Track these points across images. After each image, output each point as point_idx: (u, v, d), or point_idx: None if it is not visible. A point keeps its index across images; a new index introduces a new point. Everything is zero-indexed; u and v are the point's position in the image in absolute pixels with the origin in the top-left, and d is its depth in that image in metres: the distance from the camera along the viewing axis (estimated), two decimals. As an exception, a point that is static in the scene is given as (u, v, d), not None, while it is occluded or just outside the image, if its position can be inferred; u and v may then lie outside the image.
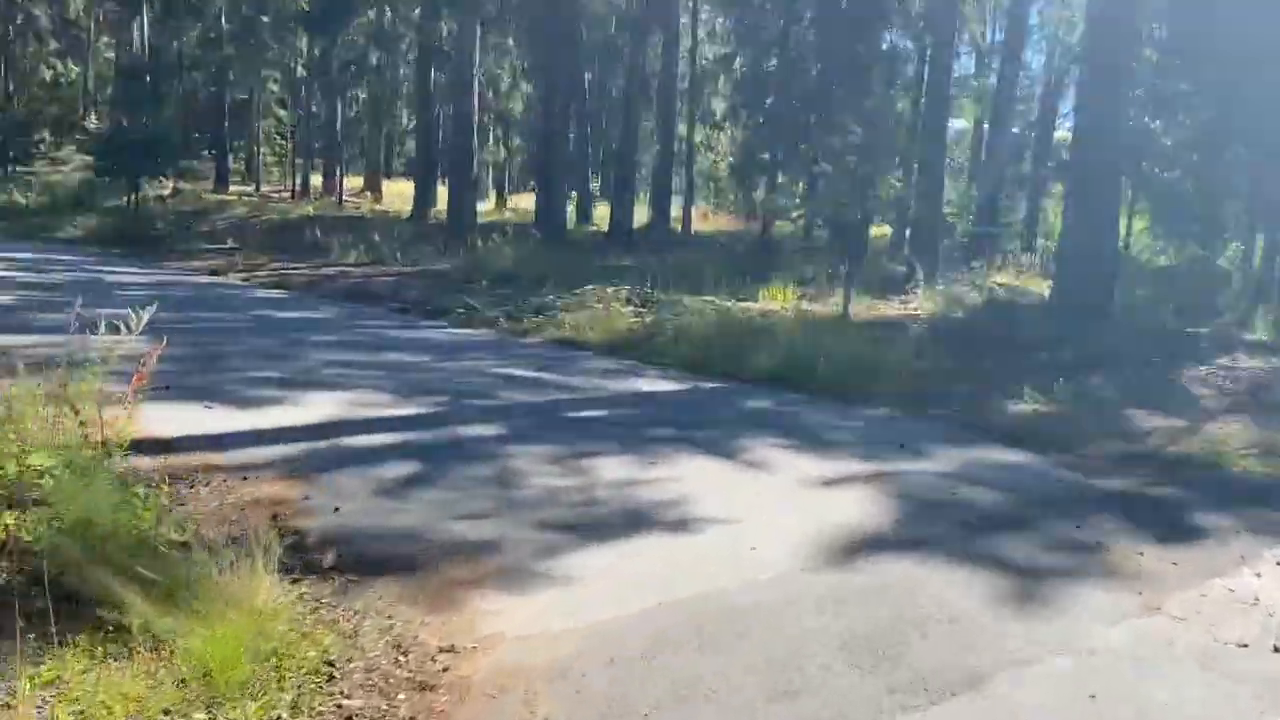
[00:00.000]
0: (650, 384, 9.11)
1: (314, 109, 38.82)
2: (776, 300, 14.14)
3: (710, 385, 9.32)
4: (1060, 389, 8.90)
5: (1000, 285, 15.84)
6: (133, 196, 21.99)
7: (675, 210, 28.22)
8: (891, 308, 13.93)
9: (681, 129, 29.89)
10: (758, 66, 29.90)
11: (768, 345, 10.47)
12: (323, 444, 6.12)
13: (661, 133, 29.28)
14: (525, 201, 30.74)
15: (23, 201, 26.60)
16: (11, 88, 40.34)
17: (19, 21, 42.25)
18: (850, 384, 9.18)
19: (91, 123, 42.76)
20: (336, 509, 4.92)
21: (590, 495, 5.48)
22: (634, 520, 5.08)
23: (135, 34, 41.18)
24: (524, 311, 12.50)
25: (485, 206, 33.96)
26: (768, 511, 5.35)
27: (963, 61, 31.01)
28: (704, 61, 31.22)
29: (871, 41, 21.26)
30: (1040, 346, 11.05)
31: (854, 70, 18.76)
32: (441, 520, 4.88)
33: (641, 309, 12.80)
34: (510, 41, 31.46)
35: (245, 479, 5.30)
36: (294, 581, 3.99)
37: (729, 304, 13.34)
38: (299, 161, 37.11)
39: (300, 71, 39.83)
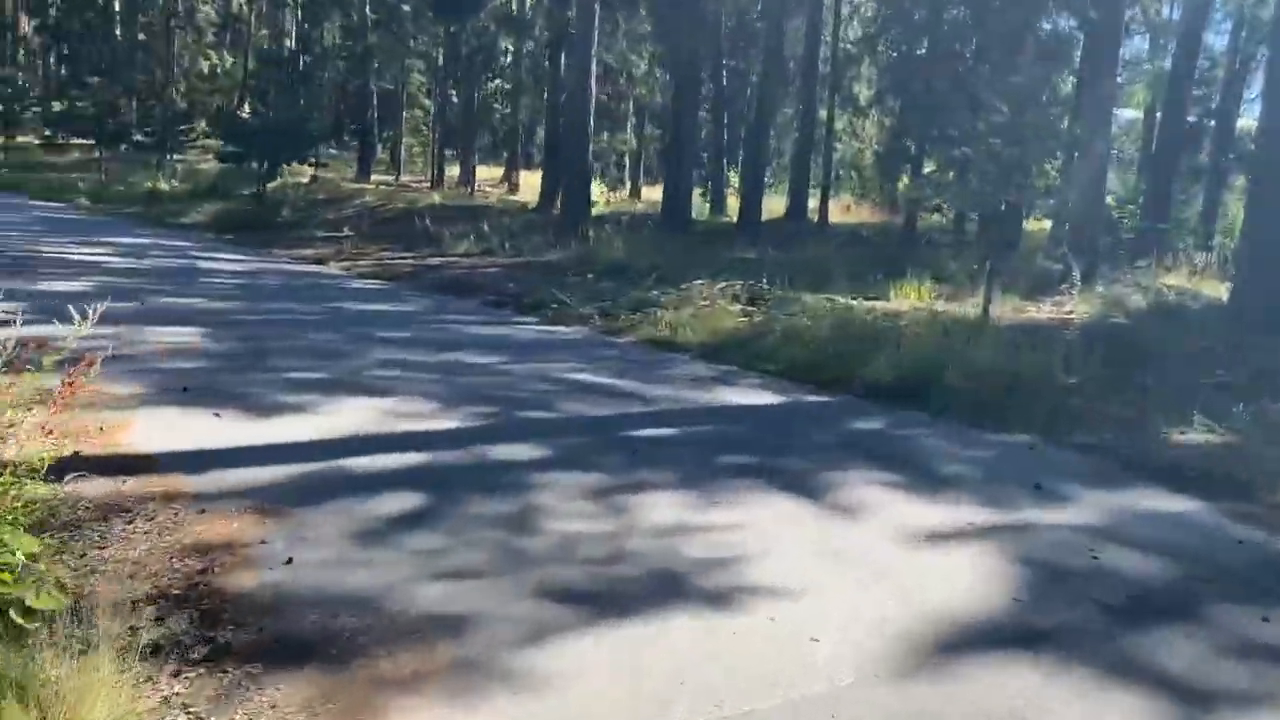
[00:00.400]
0: (743, 395, 7.90)
1: (454, 98, 38.82)
2: (909, 299, 12.67)
3: (814, 399, 8.05)
4: (1239, 415, 7.27)
5: (1169, 287, 13.89)
6: (260, 185, 21.92)
7: (814, 202, 26.78)
8: (1041, 310, 12.28)
9: (822, 114, 28.32)
10: (906, 48, 28.16)
11: (889, 351, 9.12)
12: (324, 465, 5.19)
13: (801, 119, 27.84)
14: (659, 193, 29.76)
15: (165, 188, 27.10)
16: (169, 79, 41.83)
17: (180, 13, 43.80)
18: (982, 401, 7.77)
19: (246, 112, 44.03)
20: (289, 560, 3.94)
21: (620, 547, 4.36)
22: (666, 587, 3.94)
23: (291, 25, 42.28)
24: (621, 307, 11.43)
25: (619, 196, 33.21)
26: (846, 580, 4.12)
27: (1134, 43, 28.45)
28: (846, 45, 29.55)
29: (1031, 20, 19.36)
30: (1215, 361, 9.32)
31: (1009, 50, 17.04)
32: (415, 580, 3.84)
33: (751, 307, 11.56)
34: (648, 27, 30.53)
35: (203, 512, 4.38)
36: (173, 675, 3.00)
37: (853, 302, 11.96)
38: (448, 152, 37.26)
39: (441, 61, 39.98)
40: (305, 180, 30.44)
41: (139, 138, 34.34)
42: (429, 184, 36.04)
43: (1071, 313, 12.28)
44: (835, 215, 26.86)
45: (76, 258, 12.68)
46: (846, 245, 17.37)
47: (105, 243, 14.84)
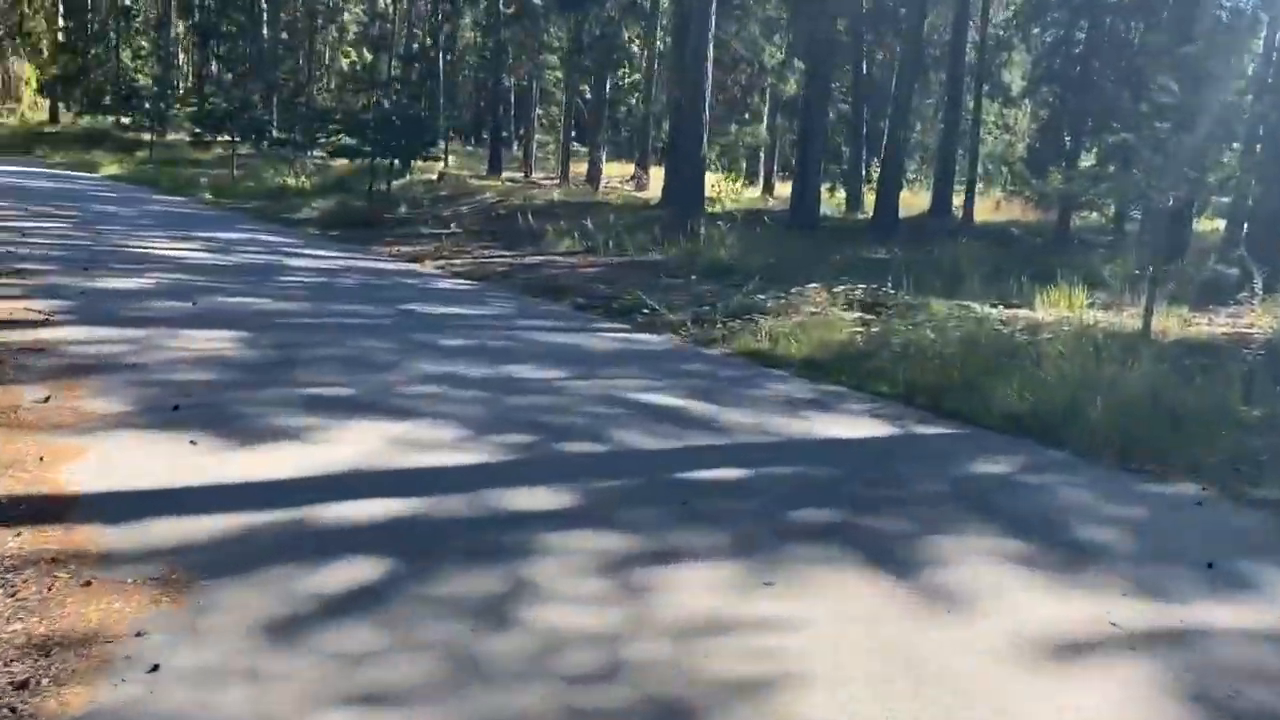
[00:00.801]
0: (842, 424, 6.62)
1: (586, 93, 38.18)
2: (1057, 307, 11.04)
3: (929, 430, 6.72)
4: None
5: (1377, 297, 11.82)
6: (386, 182, 21.49)
7: (960, 199, 24.93)
8: (1214, 324, 10.50)
9: (969, 104, 26.37)
10: (1063, 31, 25.97)
11: (1026, 372, 7.68)
12: (285, 515, 4.20)
13: (946, 109, 25.99)
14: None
15: (292, 184, 27.15)
16: (311, 77, 42.61)
17: (324, 11, 44.55)
18: (1139, 438, 6.30)
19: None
20: (155, 667, 2.92)
21: (617, 656, 3.21)
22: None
23: (433, 23, 42.38)
24: (720, 313, 10.23)
25: (751, 194, 31.88)
26: (926, 728, 2.87)
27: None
28: (997, 28, 27.46)
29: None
30: None
31: (1181, 34, 15.00)
32: (309, 711, 2.77)
33: (869, 314, 10.19)
34: (783, 14, 29.08)
35: (88, 584, 3.42)
36: None
37: (989, 311, 10.45)
38: (582, 147, 36.75)
39: (570, 55, 39.44)
40: (434, 177, 30.23)
41: (278, 134, 34.80)
42: (558, 181, 35.52)
43: (1251, 327, 10.45)
44: (982, 213, 24.94)
45: (160, 253, 12.25)
46: (991, 245, 15.66)
47: (201, 238, 14.46)
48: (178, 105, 35.37)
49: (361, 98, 46.91)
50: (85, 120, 41.46)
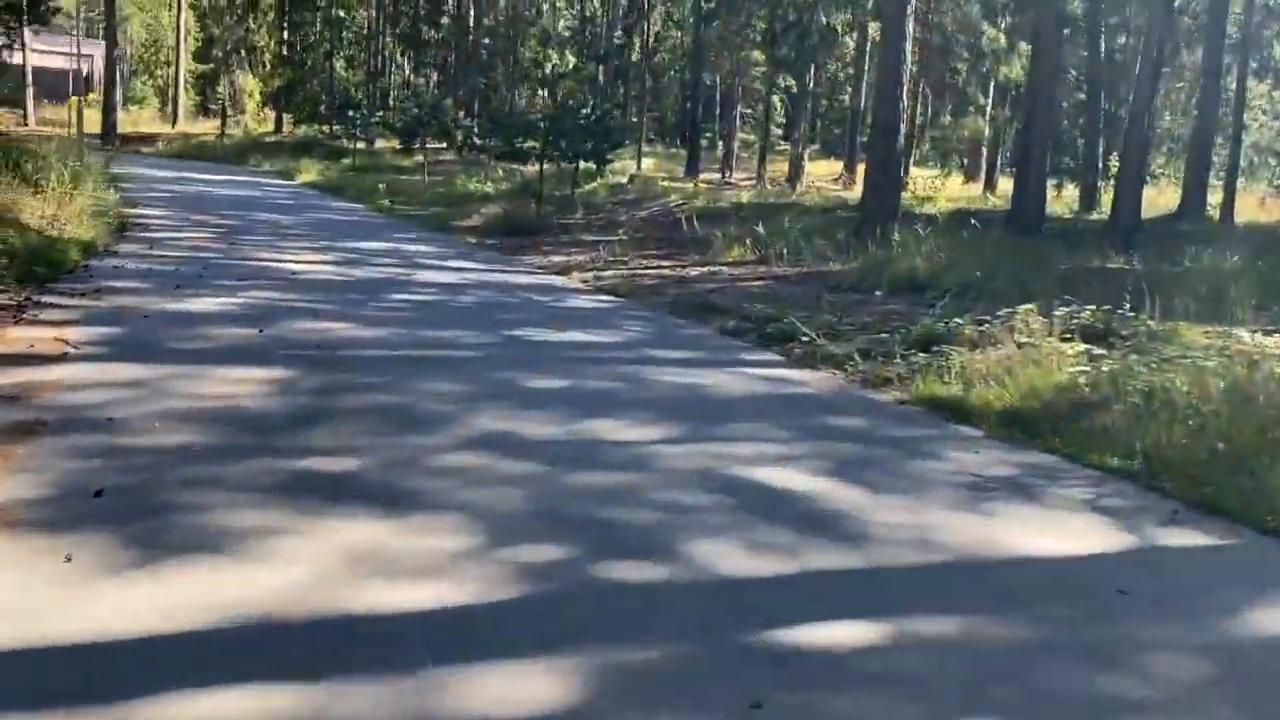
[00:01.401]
0: (1046, 529, 4.51)
1: (793, 87, 36.04)
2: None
3: (1181, 541, 4.51)
4: None
5: None
6: (541, 187, 20.26)
7: (1216, 196, 21.37)
8: None
9: (1230, 86, 22.65)
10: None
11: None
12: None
13: (1201, 93, 22.41)
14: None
15: (483, 190, 26.48)
16: (513, 82, 42.37)
17: (529, 17, 44.37)
18: None
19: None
20: None
21: None
22: None
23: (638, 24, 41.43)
24: (900, 343, 8.13)
25: (969, 191, 28.93)
26: None
27: None
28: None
29: None
30: None
31: None
32: None
33: (1099, 347, 7.80)
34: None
35: None
36: None
37: (1265, 340, 7.86)
38: (791, 147, 34.75)
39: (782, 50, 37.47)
40: (625, 180, 28.98)
41: (478, 140, 34.50)
42: (755, 181, 33.61)
43: None
44: (1245, 212, 21.28)
45: (281, 267, 11.23)
46: (1259, 253, 12.64)
47: (341, 249, 13.50)
48: (380, 113, 35.72)
49: (553, 101, 46.74)
50: (302, 130, 42.90)
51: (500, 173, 29.08)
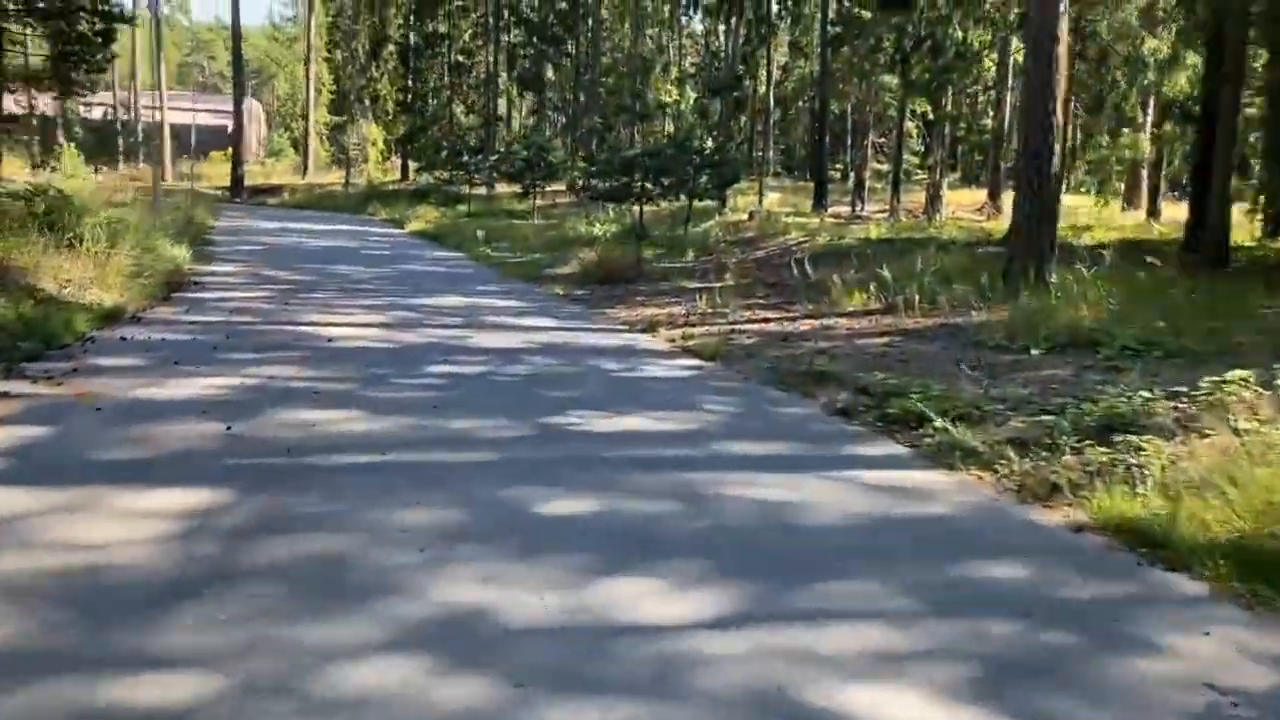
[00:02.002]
0: None
1: (923, 112, 33.62)
2: None
3: None
4: None
5: None
6: (640, 227, 18.54)
7: None
8: None
9: None
10: None
11: None
12: None
13: None
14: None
15: (591, 233, 25.05)
16: (633, 119, 41.09)
17: (655, 50, 43.18)
18: None
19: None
20: None
21: None
22: None
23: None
24: (1069, 428, 5.99)
25: (1129, 219, 25.97)
26: None
27: None
28: None
29: None
30: None
31: None
32: None
33: (1363, 440, 5.49)
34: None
35: None
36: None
37: None
38: (929, 176, 32.37)
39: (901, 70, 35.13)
40: (744, 218, 27.13)
41: (596, 182, 33.21)
42: (889, 213, 31.25)
43: None
44: None
45: (321, 331, 9.74)
46: None
47: (404, 306, 12.05)
48: (495, 157, 34.84)
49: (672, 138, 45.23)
50: (424, 177, 42.58)
51: (611, 214, 27.66)
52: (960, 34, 20.56)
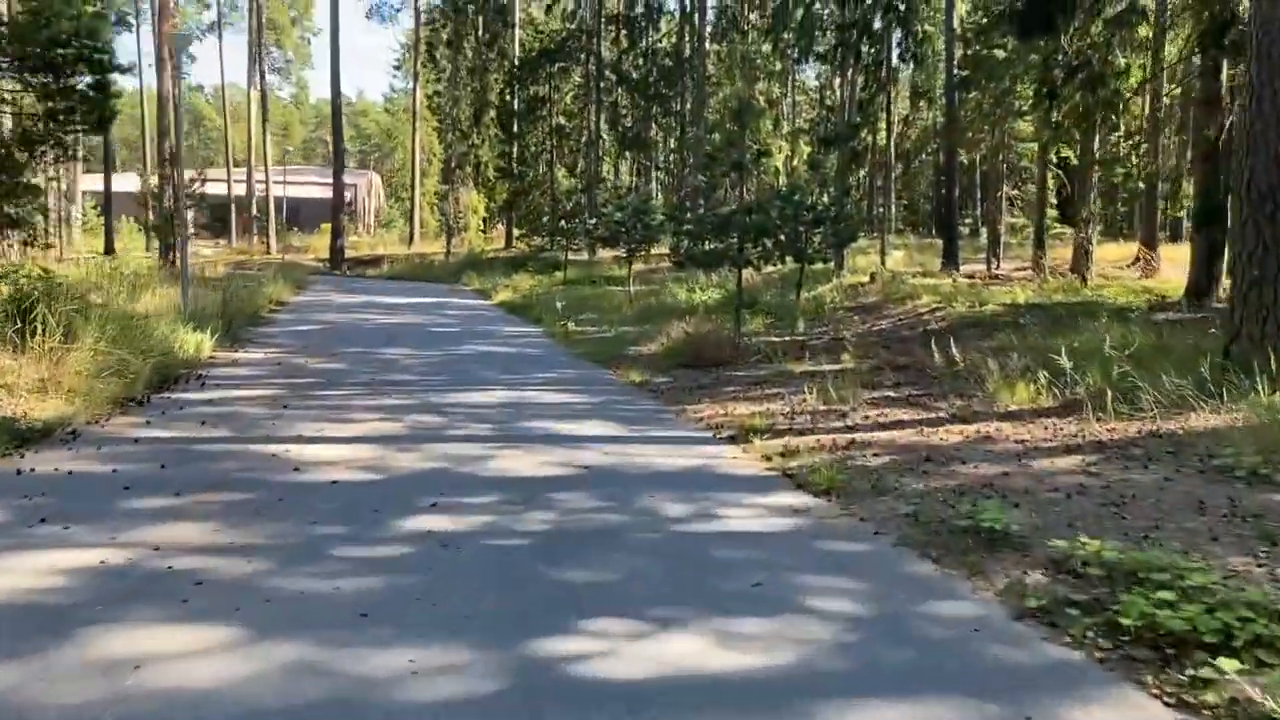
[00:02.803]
0: None
1: (1064, 159, 30.23)
2: None
3: None
4: None
5: None
6: (739, 300, 15.87)
7: None
8: None
9: None
10: None
11: None
12: None
13: None
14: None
15: (692, 301, 22.54)
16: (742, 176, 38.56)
17: (767, 102, 40.78)
18: None
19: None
20: None
21: None
22: None
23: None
24: None
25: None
26: None
27: None
28: None
29: None
30: None
31: None
32: None
33: None
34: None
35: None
36: None
37: None
38: (1066, 227, 29.10)
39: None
40: (866, 279, 24.25)
41: (688, 244, 30.72)
42: (1033, 270, 27.89)
43: None
44: None
45: (297, 452, 7.33)
46: None
47: (432, 407, 9.62)
48: (594, 220, 32.81)
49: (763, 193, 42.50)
50: (528, 243, 40.90)
51: (715, 279, 25.06)
52: (1122, 62, 17.44)
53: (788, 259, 15.28)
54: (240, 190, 57.15)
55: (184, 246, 14.79)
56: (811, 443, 7.75)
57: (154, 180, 26.52)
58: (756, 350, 13.07)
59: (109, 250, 46.10)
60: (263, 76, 53.72)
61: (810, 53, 28.04)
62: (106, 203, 43.61)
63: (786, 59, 40.29)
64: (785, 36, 28.66)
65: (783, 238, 14.30)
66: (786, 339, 15.31)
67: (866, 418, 8.73)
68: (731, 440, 8.14)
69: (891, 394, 9.80)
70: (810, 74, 53.88)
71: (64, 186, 41.63)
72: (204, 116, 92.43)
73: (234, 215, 55.88)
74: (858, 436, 7.95)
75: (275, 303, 21.35)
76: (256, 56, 54.05)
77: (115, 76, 11.96)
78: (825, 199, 19.87)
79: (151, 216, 28.32)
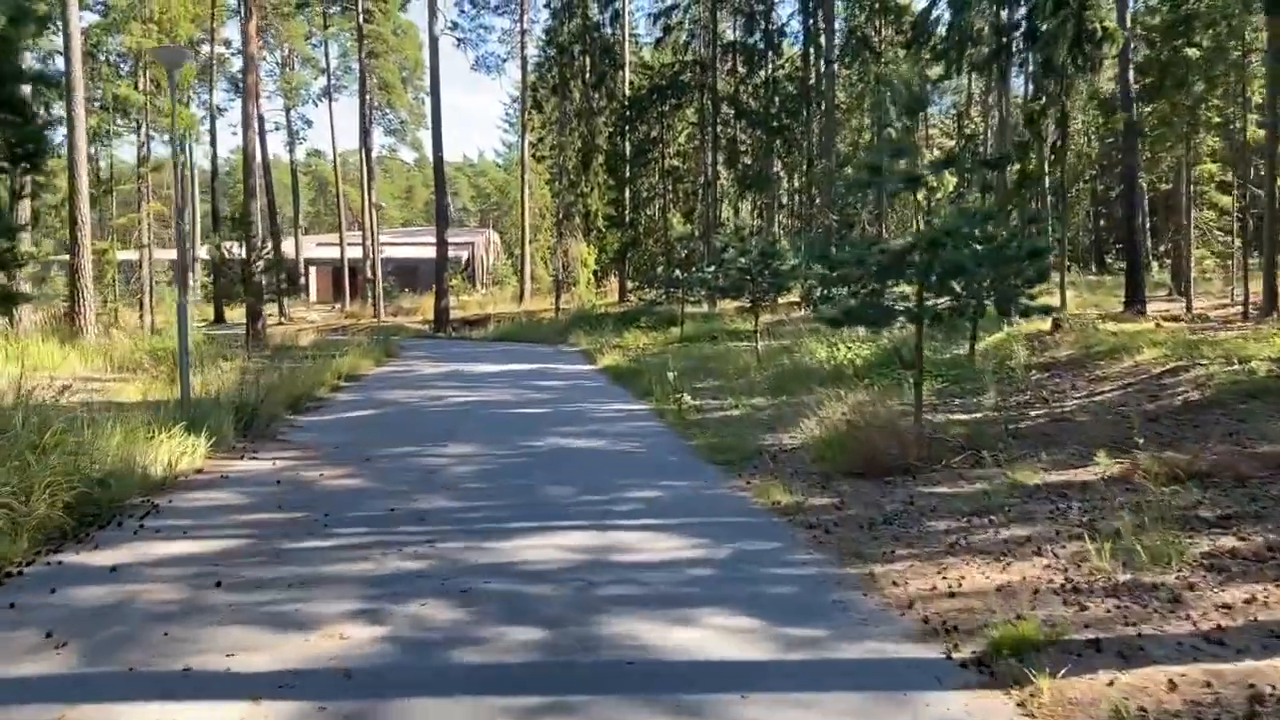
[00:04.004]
0: None
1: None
2: None
3: None
4: None
5: None
6: (920, 373, 11.91)
7: None
8: None
9: None
10: None
11: None
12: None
13: None
14: None
15: (835, 359, 18.68)
16: (881, 211, 34.38)
17: (905, 129, 36.74)
18: None
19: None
20: None
21: None
22: None
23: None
24: None
25: None
26: None
27: None
28: None
29: None
30: None
31: None
32: None
33: None
34: None
35: None
36: None
37: None
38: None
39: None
40: (1046, 327, 19.90)
41: (835, 292, 26.71)
42: (1242, 314, 23.05)
43: None
44: None
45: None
46: None
47: (471, 565, 6.04)
48: (712, 268, 29.26)
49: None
50: (641, 296, 37.57)
51: (860, 331, 21.02)
52: None
53: (984, 308, 11.21)
54: (357, 253, 55.75)
55: (183, 315, 11.60)
56: (1155, 684, 3.80)
57: (233, 245, 23.95)
58: (951, 443, 9.10)
59: (219, 318, 44.81)
60: (365, 133, 52.15)
61: (962, 64, 23.99)
62: (215, 274, 42.20)
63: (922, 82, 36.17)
64: (928, 52, 24.78)
65: (985, 280, 10.30)
66: (979, 417, 11.27)
67: (1224, 606, 4.71)
68: (983, 668, 4.23)
69: (1234, 541, 5.72)
70: (937, 107, 49.48)
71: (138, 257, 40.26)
72: (329, 181, 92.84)
73: (347, 279, 54.41)
74: (1234, 666, 3.97)
75: (345, 378, 18.28)
76: (363, 120, 52.64)
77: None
78: (1005, 231, 15.71)
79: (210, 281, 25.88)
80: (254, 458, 10.06)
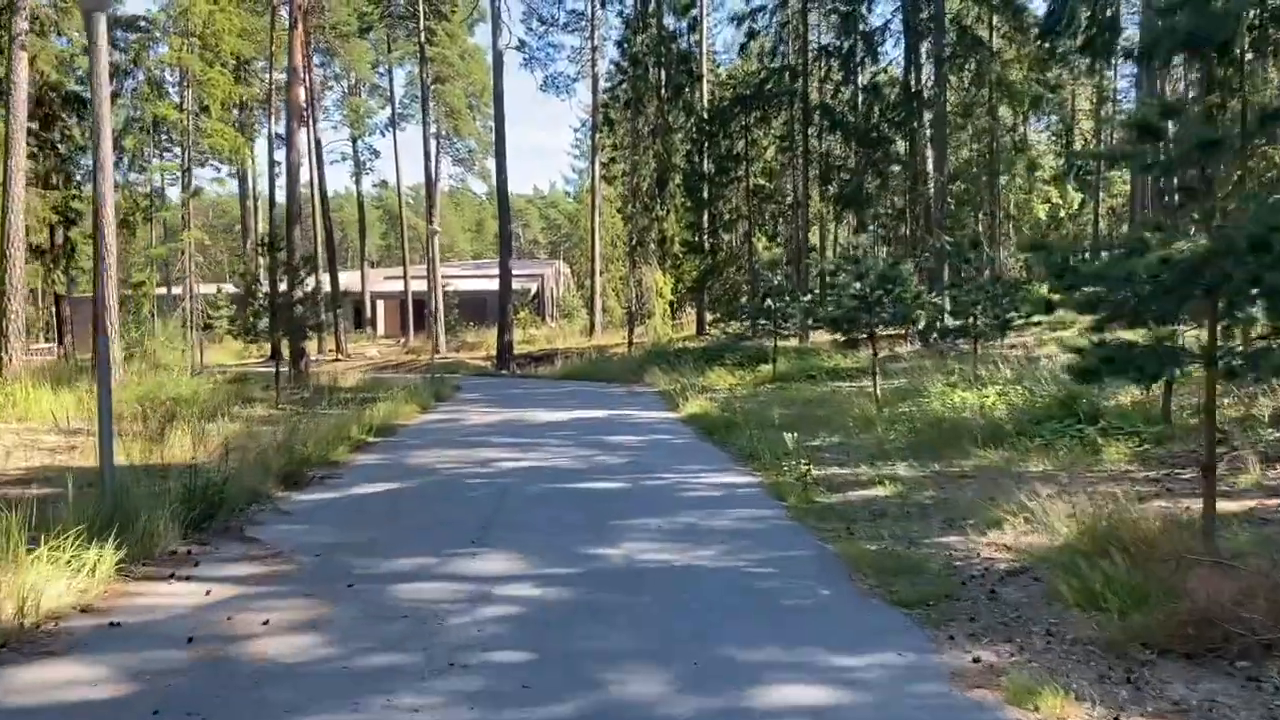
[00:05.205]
0: None
1: None
2: None
3: None
4: None
5: None
6: (1212, 454, 8.20)
7: None
8: None
9: None
10: None
11: None
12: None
13: None
14: None
15: (985, 406, 14.95)
16: (994, 232, 30.54)
17: (1012, 146, 32.79)
18: None
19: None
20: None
21: None
22: None
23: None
24: None
25: None
26: None
27: None
28: None
29: None
30: None
31: None
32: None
33: None
34: None
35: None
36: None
37: None
38: None
39: None
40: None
41: (952, 320, 22.73)
42: None
43: None
44: None
45: None
46: None
47: None
48: (807, 298, 25.71)
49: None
50: (724, 329, 34.12)
51: (1007, 372, 17.24)
52: None
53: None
54: (422, 286, 53.33)
55: (105, 350, 8.27)
56: None
57: (263, 275, 21.11)
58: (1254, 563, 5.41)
59: (275, 354, 42.38)
60: (427, 156, 49.72)
61: (1111, 50, 20.23)
62: (272, 309, 39.82)
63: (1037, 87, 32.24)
64: (1071, 40, 21.07)
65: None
66: (1251, 507, 7.53)
67: None
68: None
69: None
70: (1041, 120, 45.33)
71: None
72: (398, 215, 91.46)
73: (411, 312, 52.05)
74: None
75: (376, 430, 15.09)
76: (426, 143, 50.29)
77: None
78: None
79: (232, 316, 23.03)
80: (188, 578, 6.75)
